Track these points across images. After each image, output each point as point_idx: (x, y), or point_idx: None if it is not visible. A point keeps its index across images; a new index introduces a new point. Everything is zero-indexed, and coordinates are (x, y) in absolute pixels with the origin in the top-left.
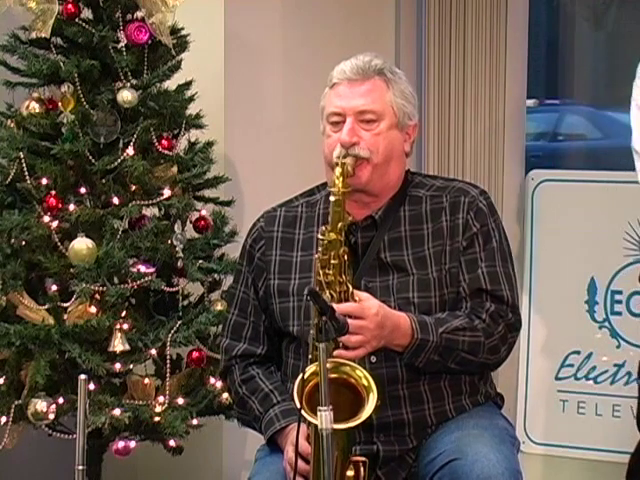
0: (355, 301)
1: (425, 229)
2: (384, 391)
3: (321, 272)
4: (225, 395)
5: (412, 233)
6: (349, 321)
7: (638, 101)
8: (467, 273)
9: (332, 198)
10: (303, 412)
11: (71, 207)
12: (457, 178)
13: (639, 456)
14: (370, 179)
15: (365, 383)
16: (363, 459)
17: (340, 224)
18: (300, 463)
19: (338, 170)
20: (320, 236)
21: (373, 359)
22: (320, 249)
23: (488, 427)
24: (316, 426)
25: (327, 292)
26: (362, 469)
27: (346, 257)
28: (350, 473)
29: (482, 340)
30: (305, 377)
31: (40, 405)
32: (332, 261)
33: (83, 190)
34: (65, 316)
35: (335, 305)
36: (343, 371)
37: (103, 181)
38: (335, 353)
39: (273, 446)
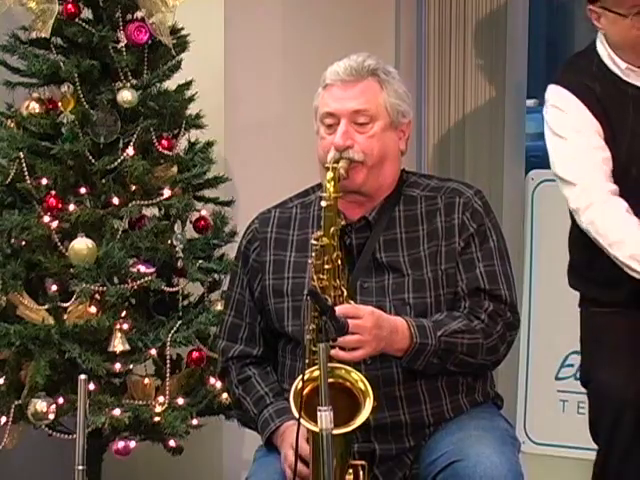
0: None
1: (420, 230)
2: (380, 392)
3: (315, 277)
4: (225, 395)
5: (407, 235)
6: None
7: (552, 126)
8: (465, 273)
9: (324, 203)
10: (302, 420)
11: (71, 207)
12: (452, 178)
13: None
14: (365, 182)
15: (362, 387)
16: (362, 463)
17: (333, 229)
18: (301, 467)
19: (329, 175)
20: (313, 241)
21: (369, 361)
22: (314, 254)
23: (489, 428)
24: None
25: None
26: (361, 472)
27: (340, 262)
28: (349, 477)
29: (481, 342)
30: (300, 385)
31: (40, 405)
32: (326, 266)
33: (83, 190)
34: (65, 316)
35: None
36: (338, 375)
37: (103, 181)
38: (333, 352)
39: (271, 446)
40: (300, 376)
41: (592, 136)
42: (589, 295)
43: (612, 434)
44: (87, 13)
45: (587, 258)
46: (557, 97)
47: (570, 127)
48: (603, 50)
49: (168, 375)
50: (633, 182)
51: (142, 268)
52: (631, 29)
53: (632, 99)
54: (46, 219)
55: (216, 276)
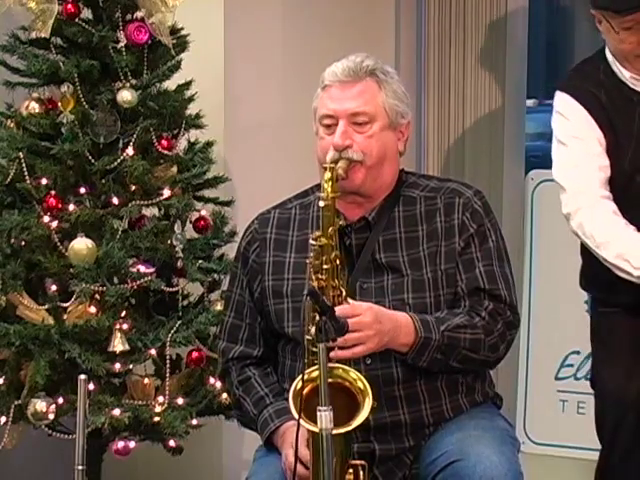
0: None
1: (420, 230)
2: (380, 392)
3: (313, 277)
4: (225, 395)
5: (407, 235)
6: None
7: (555, 133)
8: (464, 273)
9: (321, 203)
10: (301, 421)
11: (71, 207)
12: (451, 178)
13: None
14: (364, 182)
15: (360, 386)
16: (362, 462)
17: (331, 229)
18: (300, 469)
19: (327, 175)
20: (312, 242)
21: (368, 361)
22: (312, 254)
23: (489, 428)
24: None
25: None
26: (361, 472)
27: (338, 261)
28: (349, 478)
29: (483, 337)
30: (300, 386)
31: (40, 405)
32: (324, 266)
33: (83, 190)
34: (65, 316)
35: None
36: (336, 374)
37: (103, 181)
38: (332, 354)
39: (271, 446)
40: (299, 377)
41: (592, 143)
42: (595, 296)
43: (614, 434)
44: (87, 13)
45: (591, 261)
46: (561, 104)
47: (571, 134)
48: (611, 56)
49: (168, 375)
50: (638, 189)
51: (142, 268)
52: (621, 42)
53: (638, 106)
54: (46, 219)
55: (216, 276)
